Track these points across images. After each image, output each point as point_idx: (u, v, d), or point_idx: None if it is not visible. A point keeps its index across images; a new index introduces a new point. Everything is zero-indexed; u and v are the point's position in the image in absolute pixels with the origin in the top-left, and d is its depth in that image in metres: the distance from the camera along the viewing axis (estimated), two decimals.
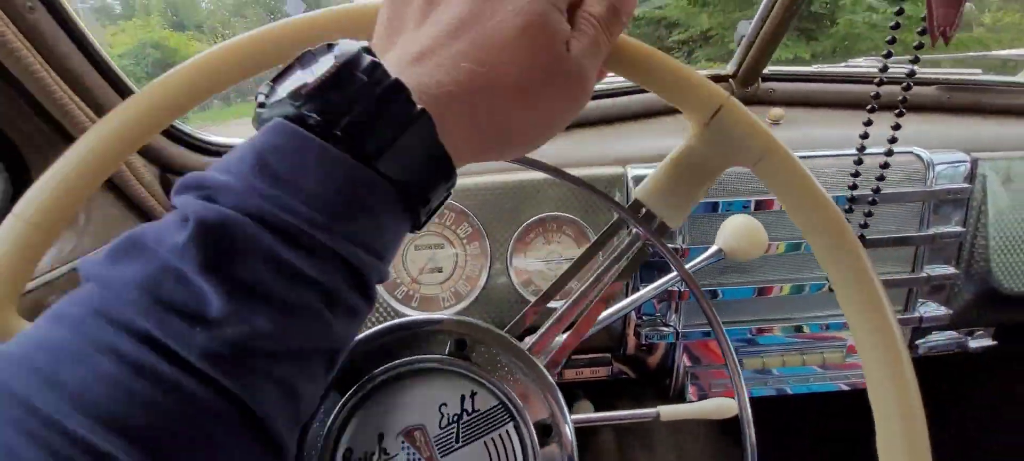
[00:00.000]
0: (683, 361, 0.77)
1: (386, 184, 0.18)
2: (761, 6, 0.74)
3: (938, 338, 0.79)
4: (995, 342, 0.80)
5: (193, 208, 0.17)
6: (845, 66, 0.89)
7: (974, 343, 0.80)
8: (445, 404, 0.30)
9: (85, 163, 0.26)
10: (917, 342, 0.78)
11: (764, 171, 0.27)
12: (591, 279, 0.34)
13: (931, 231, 0.70)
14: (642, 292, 0.47)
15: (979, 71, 0.82)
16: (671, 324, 0.74)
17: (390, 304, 0.69)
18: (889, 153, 0.57)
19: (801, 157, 0.67)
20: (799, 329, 0.73)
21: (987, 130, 0.76)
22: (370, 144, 0.18)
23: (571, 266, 0.36)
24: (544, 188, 0.69)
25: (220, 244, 0.16)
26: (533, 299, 0.70)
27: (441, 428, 0.29)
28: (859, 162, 0.61)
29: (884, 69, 0.59)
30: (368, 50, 0.19)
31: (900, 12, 0.56)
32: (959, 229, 0.71)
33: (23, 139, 0.49)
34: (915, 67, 0.55)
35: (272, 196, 0.17)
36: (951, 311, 0.73)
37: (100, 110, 0.54)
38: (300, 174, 0.17)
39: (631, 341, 0.75)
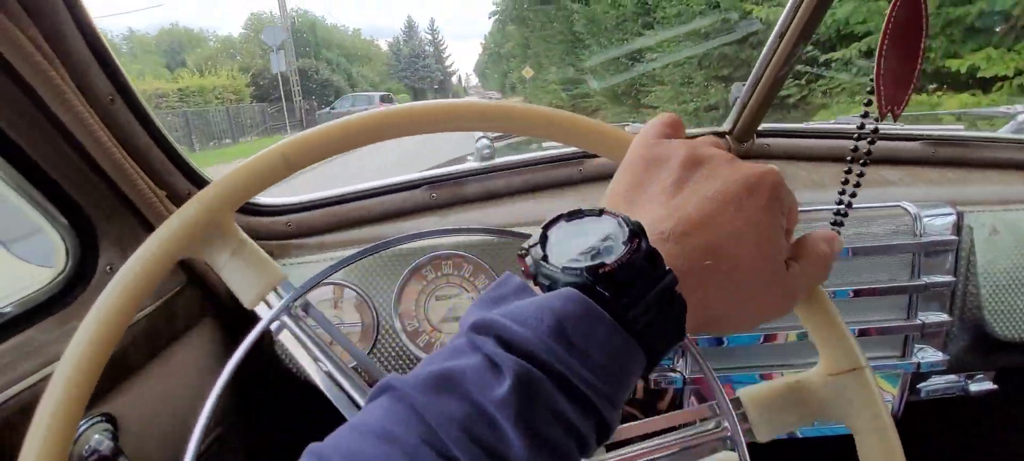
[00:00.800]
0: (692, 405, 0.80)
1: (644, 355, 0.21)
2: (755, 67, 0.81)
3: (939, 382, 0.81)
4: (995, 386, 0.82)
5: (502, 359, 0.19)
6: (836, 123, 0.95)
7: (975, 387, 0.82)
8: None
9: (333, 137, 0.33)
10: (919, 386, 0.80)
11: (863, 443, 0.31)
12: (656, 445, 0.36)
13: (923, 280, 0.74)
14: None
15: (962, 127, 0.87)
16: (679, 369, 0.77)
17: (412, 351, 0.74)
18: (853, 195, 0.62)
19: (802, 211, 0.72)
20: None
21: (972, 184, 0.81)
22: (642, 320, 0.21)
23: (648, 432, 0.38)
24: None
25: (530, 400, 0.19)
26: None
27: None
28: (844, 214, 0.66)
29: (861, 127, 0.64)
30: (642, 232, 0.22)
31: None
32: (950, 278, 0.74)
33: (95, 209, 0.55)
34: (879, 126, 0.60)
35: (568, 363, 0.19)
36: (948, 356, 0.76)
37: (164, 184, 0.61)
38: (591, 345, 0.20)
39: (639, 385, 0.79)
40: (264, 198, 0.76)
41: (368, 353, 0.74)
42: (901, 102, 0.55)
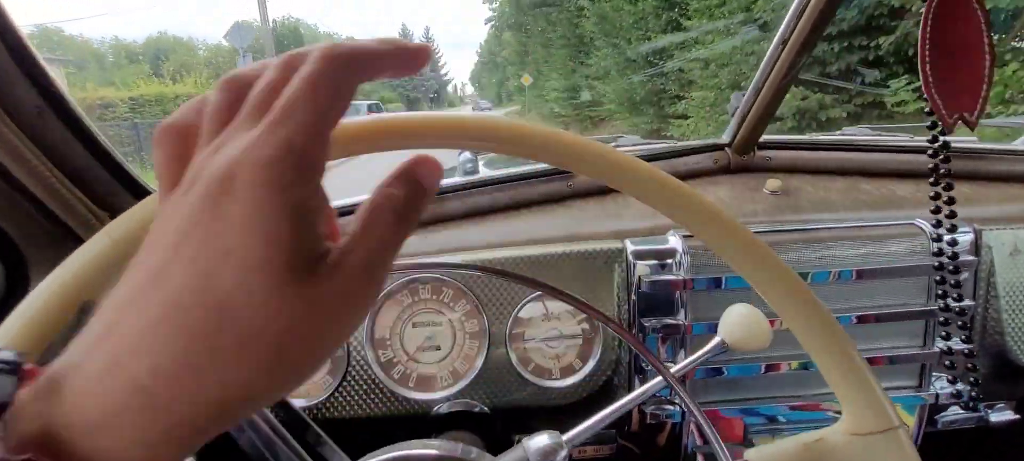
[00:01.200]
0: (693, 439, 0.74)
1: None
2: (755, 77, 0.76)
3: (958, 412, 0.75)
4: (1018, 416, 0.76)
5: None
6: (840, 135, 0.90)
7: (995, 417, 0.76)
8: None
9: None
10: (936, 417, 0.75)
11: None
12: None
13: (940, 304, 0.68)
14: (633, 395, 0.47)
15: (976, 138, 0.82)
16: (677, 402, 0.71)
17: (386, 384, 0.68)
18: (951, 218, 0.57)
19: (808, 230, 0.66)
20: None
21: (990, 200, 0.76)
22: None
23: None
24: (537, 264, 0.68)
25: None
26: (533, 378, 0.69)
27: None
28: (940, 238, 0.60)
29: (933, 140, 0.57)
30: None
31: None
32: (969, 302, 0.69)
33: (22, 237, 0.49)
34: (914, 137, 0.56)
35: None
36: (967, 385, 0.71)
37: (106, 205, 0.55)
38: None
39: (635, 418, 0.73)
40: None
41: (337, 387, 0.68)
42: (974, 107, 0.48)
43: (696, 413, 0.31)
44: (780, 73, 0.68)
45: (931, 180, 0.59)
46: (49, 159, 0.48)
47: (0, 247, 0.49)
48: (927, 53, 0.49)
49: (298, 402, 0.68)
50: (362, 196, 0.76)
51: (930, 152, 0.57)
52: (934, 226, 0.63)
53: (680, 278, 0.66)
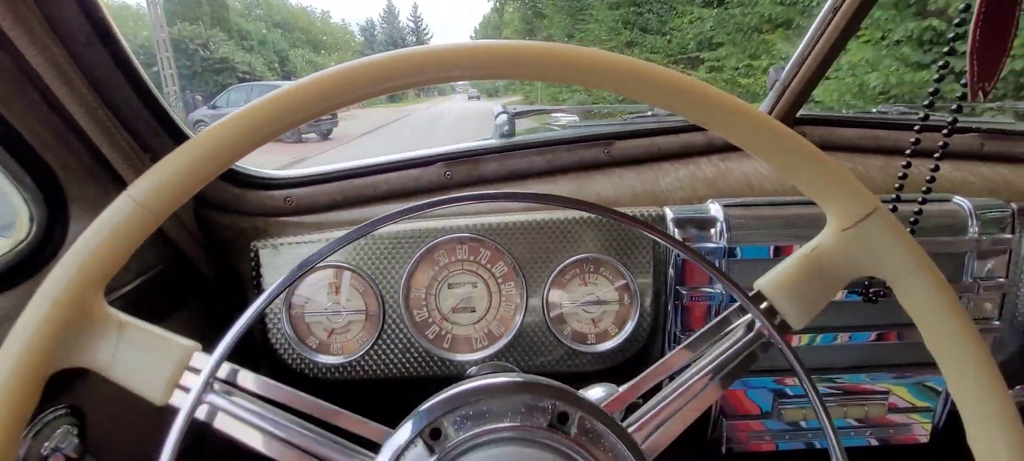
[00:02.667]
0: (717, 410, 0.74)
1: None
2: (798, 50, 0.75)
3: None
4: None
5: None
6: (876, 112, 0.90)
7: (1017, 399, 0.77)
8: None
9: (199, 159, 0.25)
10: None
11: (905, 290, 0.27)
12: (700, 372, 0.32)
13: (972, 279, 0.68)
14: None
15: (1011, 120, 0.82)
16: None
17: (420, 344, 0.67)
18: (927, 194, 0.58)
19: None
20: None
21: (1022, 179, 0.76)
22: None
23: (681, 351, 0.34)
24: (580, 228, 0.67)
25: None
26: (569, 342, 0.68)
27: None
28: (894, 209, 0.61)
29: (926, 118, 0.60)
30: None
31: (945, 66, 0.57)
32: (1002, 279, 0.69)
33: (64, 169, 0.48)
34: (957, 116, 0.56)
35: None
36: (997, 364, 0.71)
37: (148, 147, 0.53)
38: None
39: None
40: (258, 169, 0.69)
41: (372, 345, 0.67)
42: (992, 77, 0.50)
43: (797, 367, 0.30)
44: (829, 42, 0.67)
45: (908, 152, 0.60)
46: (95, 91, 0.46)
47: (42, 181, 0.47)
48: (979, 24, 0.50)
49: (333, 359, 0.67)
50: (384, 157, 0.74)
51: (918, 127, 0.57)
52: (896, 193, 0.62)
53: (722, 246, 0.66)
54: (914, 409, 0.74)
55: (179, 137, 0.56)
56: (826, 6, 0.67)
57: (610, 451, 0.29)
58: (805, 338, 0.69)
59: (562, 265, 0.67)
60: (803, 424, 0.74)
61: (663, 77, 0.25)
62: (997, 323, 0.70)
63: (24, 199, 0.47)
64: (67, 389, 0.47)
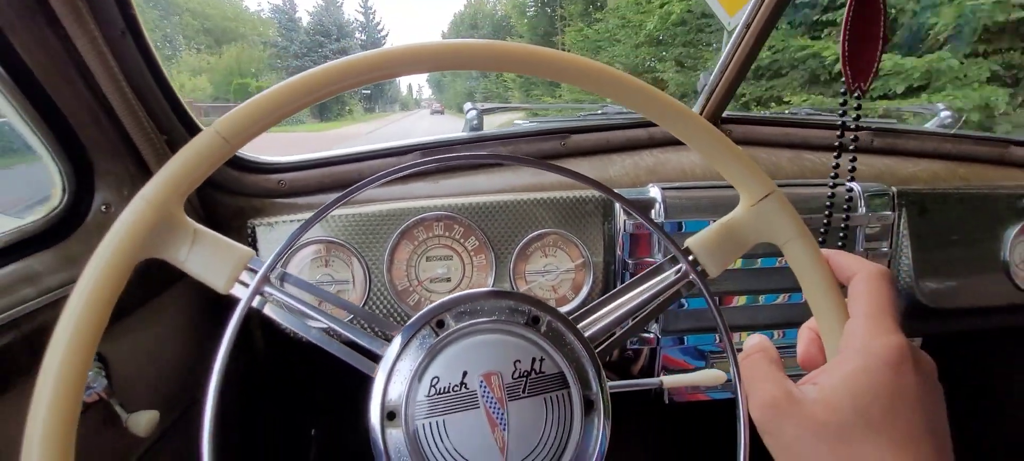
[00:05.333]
0: (659, 369, 0.86)
1: None
2: (721, 58, 0.89)
3: None
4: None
5: None
6: (789, 113, 1.05)
7: None
8: (519, 361, 0.37)
9: (272, 101, 0.33)
10: None
11: (790, 251, 0.36)
12: (639, 298, 0.41)
13: (863, 249, 0.83)
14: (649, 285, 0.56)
15: (895, 121, 0.99)
16: (652, 332, 0.83)
17: (403, 310, 0.76)
18: (839, 185, 0.71)
19: (780, 184, 0.80)
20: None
21: (905, 170, 0.92)
22: None
23: (628, 286, 0.42)
24: (540, 208, 0.78)
25: None
26: None
27: (513, 379, 0.37)
28: (832, 195, 0.75)
29: (843, 114, 0.72)
30: None
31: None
32: (886, 249, 0.84)
33: (95, 146, 0.55)
34: (861, 114, 0.70)
35: None
36: None
37: (164, 131, 0.61)
38: None
39: (615, 350, 0.84)
40: (256, 155, 0.77)
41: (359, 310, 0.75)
42: (866, 78, 0.63)
43: (712, 306, 0.39)
44: (743, 53, 0.81)
45: (835, 154, 0.73)
46: (127, 78, 0.54)
47: (75, 156, 0.54)
48: (847, 38, 0.64)
49: (324, 323, 0.74)
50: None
51: (842, 123, 0.71)
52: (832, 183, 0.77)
53: (661, 221, 0.78)
54: None
55: (190, 125, 0.64)
56: (741, 23, 0.82)
57: (569, 346, 0.39)
58: (742, 300, 0.82)
59: (526, 239, 0.78)
60: (729, 375, 0.87)
61: (630, 83, 0.35)
62: None
63: (59, 171, 0.54)
64: None
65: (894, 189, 0.85)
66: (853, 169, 0.72)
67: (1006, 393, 1.08)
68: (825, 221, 0.77)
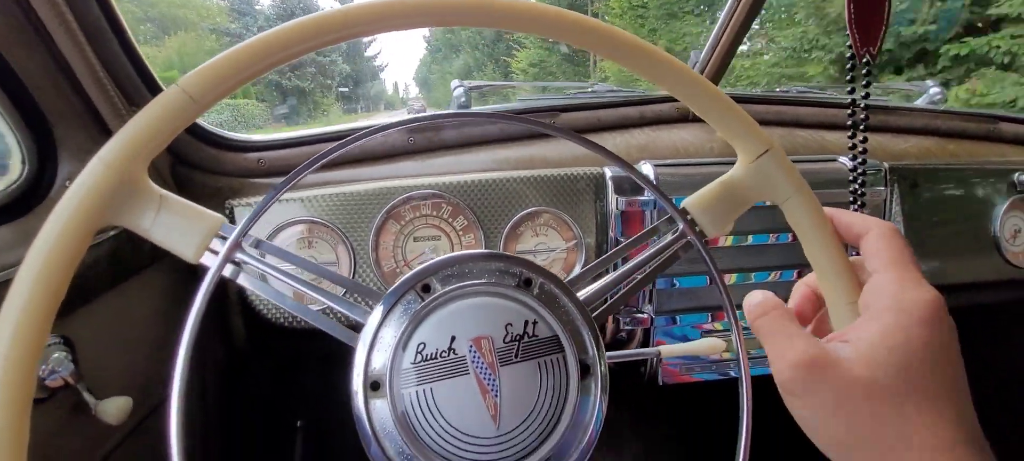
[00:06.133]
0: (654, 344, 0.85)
1: None
2: (710, 37, 0.88)
3: None
4: None
5: None
6: (781, 91, 1.04)
7: None
8: (511, 324, 0.35)
9: (243, 57, 0.30)
10: None
11: (790, 208, 0.35)
12: (636, 262, 0.40)
13: None
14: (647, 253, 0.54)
15: (888, 98, 0.98)
16: (645, 312, 0.81)
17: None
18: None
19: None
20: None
21: (896, 146, 0.92)
22: None
23: (623, 249, 0.41)
24: (528, 187, 0.76)
25: None
26: None
27: (504, 343, 0.35)
28: (862, 172, 0.73)
29: (851, 90, 0.71)
30: None
31: (852, 56, 0.69)
32: None
33: (56, 115, 0.51)
34: (869, 91, 0.68)
35: None
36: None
37: (130, 98, 0.58)
38: None
39: (610, 329, 0.83)
40: (234, 133, 0.73)
41: (344, 292, 0.72)
42: (874, 42, 0.62)
43: (711, 268, 0.38)
44: (740, 17, 0.80)
45: (850, 133, 0.72)
46: (90, 42, 0.51)
47: (35, 125, 0.51)
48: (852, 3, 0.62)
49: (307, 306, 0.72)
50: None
51: (851, 101, 0.69)
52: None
53: (649, 198, 0.76)
54: None
55: (151, 83, 0.60)
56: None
57: (563, 309, 0.37)
58: (732, 278, 0.81)
59: (516, 217, 0.75)
60: (733, 352, 0.86)
61: (625, 39, 0.33)
62: None
63: (18, 142, 0.50)
64: (58, 322, 0.51)
65: (886, 165, 0.84)
66: (865, 145, 0.70)
67: (997, 367, 1.08)
68: (857, 197, 0.75)
